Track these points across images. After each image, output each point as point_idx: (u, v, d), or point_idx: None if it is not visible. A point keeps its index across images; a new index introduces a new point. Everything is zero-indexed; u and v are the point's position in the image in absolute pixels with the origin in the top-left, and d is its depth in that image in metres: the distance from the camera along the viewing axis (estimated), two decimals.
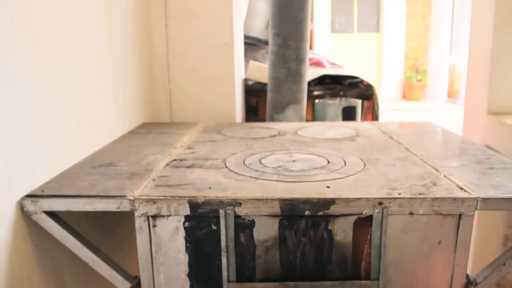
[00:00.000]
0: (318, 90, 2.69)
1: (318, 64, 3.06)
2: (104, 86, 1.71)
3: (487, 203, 1.11)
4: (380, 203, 1.10)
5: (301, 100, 2.32)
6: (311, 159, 1.47)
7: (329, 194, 1.13)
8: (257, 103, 2.79)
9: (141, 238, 1.15)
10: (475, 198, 1.11)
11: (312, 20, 9.70)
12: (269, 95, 2.37)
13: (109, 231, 1.66)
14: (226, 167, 1.38)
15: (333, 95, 2.67)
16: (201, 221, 1.13)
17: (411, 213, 1.11)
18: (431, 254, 1.15)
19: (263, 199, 1.11)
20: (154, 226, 1.14)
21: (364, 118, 2.75)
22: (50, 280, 1.26)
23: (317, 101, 2.55)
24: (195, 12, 2.25)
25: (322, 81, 2.74)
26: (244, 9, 3.29)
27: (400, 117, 8.49)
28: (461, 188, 1.16)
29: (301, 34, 2.22)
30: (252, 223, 1.13)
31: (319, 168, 1.36)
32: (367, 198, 1.10)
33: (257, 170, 1.33)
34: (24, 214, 1.15)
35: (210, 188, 1.18)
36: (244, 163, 1.43)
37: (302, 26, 2.21)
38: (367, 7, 10.97)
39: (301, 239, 1.14)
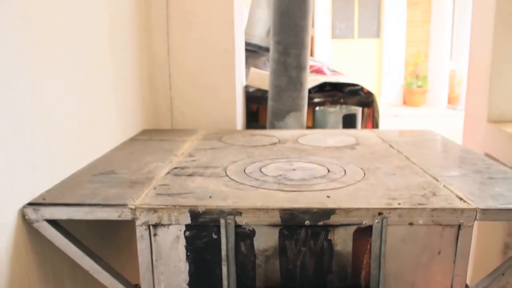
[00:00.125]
0: (318, 97, 2.71)
1: (318, 71, 3.08)
2: (105, 93, 1.72)
3: (486, 213, 1.11)
4: (380, 213, 1.11)
5: (301, 107, 2.33)
6: (311, 168, 1.47)
7: (329, 204, 1.13)
8: (257, 110, 2.80)
9: (142, 246, 1.16)
10: (474, 208, 1.11)
11: (313, 26, 9.73)
12: (269, 102, 2.38)
13: (109, 238, 1.67)
14: (227, 175, 1.39)
15: (334, 103, 2.68)
16: (202, 230, 1.14)
17: (410, 224, 1.12)
18: (430, 264, 1.15)
19: (263, 209, 1.11)
20: (155, 235, 1.15)
21: (364, 125, 2.76)
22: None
23: (317, 108, 2.56)
24: (196, 20, 2.26)
25: (322, 88, 2.75)
26: (245, 16, 3.31)
27: (400, 123, 8.51)
28: (461, 199, 1.17)
29: (302, 42, 2.23)
30: (252, 233, 1.13)
31: (319, 177, 1.37)
32: (367, 208, 1.11)
33: (257, 179, 1.34)
34: (25, 222, 1.15)
35: (210, 197, 1.19)
36: (244, 171, 1.43)
37: (303, 34, 2.22)
38: (368, 13, 11.00)
39: (301, 248, 1.14)
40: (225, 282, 1.15)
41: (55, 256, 1.26)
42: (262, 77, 2.70)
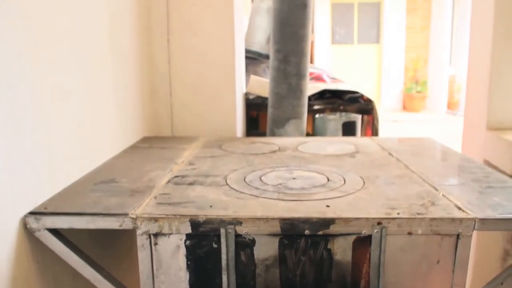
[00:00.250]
0: (318, 105, 2.72)
1: (318, 78, 3.09)
2: (105, 101, 1.73)
3: (485, 223, 1.12)
4: (379, 223, 1.11)
5: (301, 115, 2.34)
6: (311, 177, 1.48)
7: (329, 214, 1.14)
8: (257, 116, 2.81)
9: (142, 256, 1.16)
10: (473, 218, 1.12)
11: (312, 31, 9.77)
12: (269, 110, 2.39)
13: (110, 247, 1.67)
14: (227, 184, 1.40)
15: (333, 110, 2.69)
16: (202, 239, 1.15)
17: (409, 233, 1.13)
18: (429, 273, 1.16)
19: (263, 218, 1.12)
20: (156, 244, 1.16)
21: (364, 132, 2.77)
22: None
23: (317, 116, 2.57)
24: (196, 28, 2.28)
25: (322, 95, 2.77)
26: (245, 23, 3.33)
27: (400, 128, 8.53)
28: (459, 208, 1.18)
29: (302, 50, 2.24)
30: (252, 242, 1.14)
31: (319, 186, 1.37)
32: (366, 218, 1.12)
33: (257, 188, 1.35)
34: (27, 230, 1.16)
35: (211, 206, 1.20)
36: (244, 180, 1.44)
37: (303, 42, 2.24)
38: (367, 19, 11.05)
39: (301, 258, 1.15)
40: None
41: (56, 265, 1.27)
42: (262, 85, 2.71)
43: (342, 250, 1.15)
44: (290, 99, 2.30)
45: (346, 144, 2.03)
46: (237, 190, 1.33)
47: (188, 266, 1.17)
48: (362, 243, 1.14)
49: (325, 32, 10.85)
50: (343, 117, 2.51)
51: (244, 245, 1.14)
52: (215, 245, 1.15)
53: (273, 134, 2.39)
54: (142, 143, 2.03)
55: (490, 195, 1.29)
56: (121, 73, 1.89)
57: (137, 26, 2.10)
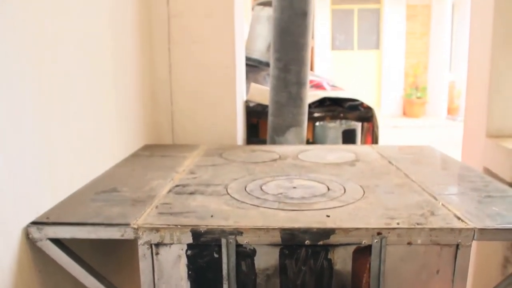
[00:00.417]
0: (318, 112, 2.73)
1: (318, 86, 3.11)
2: (107, 110, 1.74)
3: (484, 233, 1.13)
4: (379, 233, 1.12)
5: (301, 123, 2.35)
6: (311, 186, 1.49)
7: (329, 224, 1.15)
8: (257, 123, 2.82)
9: (144, 265, 1.17)
10: (472, 228, 1.13)
11: (312, 37, 9.80)
12: (270, 118, 2.40)
13: (111, 255, 1.68)
14: (228, 193, 1.41)
15: (334, 117, 2.70)
16: (203, 249, 1.15)
17: (409, 243, 1.13)
18: (429, 283, 1.17)
19: (264, 229, 1.13)
20: (157, 254, 1.16)
21: (364, 140, 2.78)
22: None
23: (317, 123, 2.58)
24: (197, 37, 2.29)
25: (322, 103, 2.78)
26: (246, 31, 3.35)
27: (400, 134, 8.54)
28: (459, 218, 1.19)
29: (302, 59, 2.26)
30: (253, 252, 1.15)
31: (319, 195, 1.38)
32: (366, 228, 1.13)
33: (258, 198, 1.36)
34: (29, 240, 1.17)
35: (212, 216, 1.20)
36: (245, 189, 1.45)
37: (303, 51, 2.25)
38: (367, 25, 11.09)
39: (301, 268, 1.16)
40: None
41: (58, 274, 1.27)
42: (262, 92, 2.73)
43: (342, 260, 1.15)
44: (290, 107, 2.31)
45: (346, 152, 2.04)
46: (238, 200, 1.34)
47: (189, 276, 1.17)
48: (362, 253, 1.14)
49: (325, 38, 10.89)
50: (343, 124, 2.52)
51: (245, 255, 1.15)
52: (216, 255, 1.15)
53: (273, 142, 2.40)
54: (143, 151, 2.04)
55: (489, 205, 1.30)
56: (122, 82, 1.90)
57: (138, 35, 2.11)
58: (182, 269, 1.17)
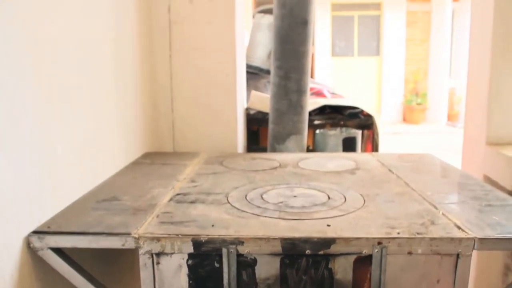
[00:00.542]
0: (319, 120, 2.74)
1: (318, 93, 3.12)
2: (108, 118, 1.75)
3: (484, 243, 1.13)
4: (379, 243, 1.13)
5: (302, 131, 2.36)
6: (312, 195, 1.49)
7: (330, 233, 1.15)
8: (258, 130, 2.83)
9: (145, 275, 1.17)
10: (473, 238, 1.13)
11: (313, 44, 9.84)
12: (270, 125, 2.41)
13: (111, 263, 1.68)
14: (229, 202, 1.41)
15: (334, 125, 2.71)
16: (204, 259, 1.16)
17: (409, 253, 1.14)
18: None
19: (265, 238, 1.13)
20: (158, 263, 1.17)
21: (364, 147, 2.79)
22: None
23: (318, 131, 2.59)
24: (198, 45, 2.30)
25: (322, 110, 2.79)
26: (246, 39, 3.36)
27: (400, 140, 8.54)
28: (459, 228, 1.19)
29: (302, 67, 2.27)
30: (254, 262, 1.15)
31: (319, 204, 1.39)
32: (367, 238, 1.13)
33: (259, 207, 1.36)
34: (30, 249, 1.17)
35: (213, 225, 1.21)
36: (246, 198, 1.45)
37: (304, 59, 2.26)
38: (367, 31, 11.12)
39: (302, 277, 1.16)
40: None
41: (59, 283, 1.27)
42: (263, 100, 2.74)
43: (343, 270, 1.16)
44: (290, 115, 2.32)
45: (346, 160, 2.04)
46: (238, 209, 1.34)
47: (190, 286, 1.17)
48: (363, 262, 1.15)
49: (325, 44, 10.92)
50: (344, 132, 2.52)
51: (245, 264, 1.15)
52: (217, 265, 1.15)
53: (274, 150, 2.41)
54: (144, 159, 2.05)
55: (490, 214, 1.31)
56: (123, 89, 1.91)
57: (139, 42, 2.13)
58: (183, 279, 1.17)
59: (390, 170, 1.84)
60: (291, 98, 2.30)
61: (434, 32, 10.91)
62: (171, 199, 1.45)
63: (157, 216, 1.28)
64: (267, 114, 2.53)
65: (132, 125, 2.02)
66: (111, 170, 1.76)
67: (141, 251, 1.15)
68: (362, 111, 2.78)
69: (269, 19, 3.29)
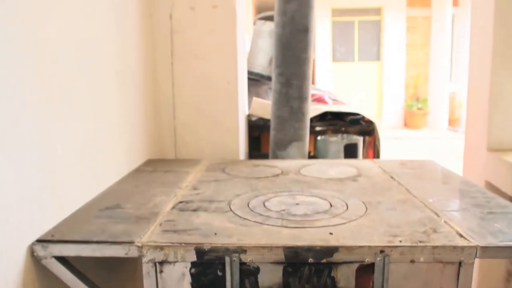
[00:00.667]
0: (320, 126, 2.75)
1: (320, 100, 3.13)
2: (111, 125, 1.76)
3: (486, 251, 1.14)
4: (381, 251, 1.13)
5: (303, 137, 2.37)
6: (314, 202, 1.50)
7: (332, 242, 1.16)
8: (259, 136, 2.84)
9: (148, 283, 1.18)
10: (475, 246, 1.13)
11: (313, 49, 9.85)
12: (272, 132, 2.42)
13: (115, 272, 1.68)
14: (231, 210, 1.41)
15: (335, 131, 2.72)
16: (207, 267, 1.16)
17: (412, 261, 1.14)
18: None
19: (267, 247, 1.14)
20: (161, 272, 1.17)
21: (365, 153, 2.79)
22: None
23: (319, 137, 2.60)
24: (199, 53, 2.32)
25: (324, 117, 2.80)
26: (247, 45, 3.38)
27: (401, 145, 8.54)
28: (461, 236, 1.19)
29: (303, 73, 2.28)
30: (257, 270, 1.15)
31: (322, 212, 1.39)
32: (369, 246, 1.13)
33: (261, 215, 1.37)
34: (34, 258, 1.18)
35: (215, 234, 1.21)
36: (248, 206, 1.46)
37: (305, 66, 2.27)
38: (368, 36, 11.15)
39: (304, 285, 1.16)
40: None
41: None
42: (264, 107, 2.75)
43: (345, 278, 1.16)
44: (292, 122, 2.32)
45: (348, 167, 2.05)
46: (241, 217, 1.35)
47: None
48: (365, 270, 1.15)
49: (326, 49, 10.95)
50: (345, 139, 2.53)
51: (248, 273, 1.15)
52: (220, 273, 1.16)
53: (275, 156, 2.41)
54: (146, 166, 2.06)
55: (491, 221, 1.31)
56: (126, 97, 1.92)
57: (142, 51, 2.14)
58: (186, 287, 1.17)
59: (391, 177, 1.84)
60: (292, 105, 2.31)
61: (434, 37, 10.93)
62: (173, 207, 1.45)
63: (160, 225, 1.29)
64: (268, 120, 2.54)
65: (134, 132, 2.03)
66: (113, 178, 1.77)
67: (144, 260, 1.16)
68: (363, 118, 2.79)
69: (270, 26, 3.31)
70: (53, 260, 1.18)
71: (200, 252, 1.14)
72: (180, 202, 1.51)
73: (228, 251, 1.14)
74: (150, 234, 1.21)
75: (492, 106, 2.34)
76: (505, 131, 2.36)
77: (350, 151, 2.44)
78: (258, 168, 2.05)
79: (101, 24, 1.69)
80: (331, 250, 1.13)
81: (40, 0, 1.25)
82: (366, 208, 1.43)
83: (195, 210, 1.42)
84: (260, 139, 2.86)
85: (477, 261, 1.17)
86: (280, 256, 1.13)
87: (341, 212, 1.39)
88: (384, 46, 11.02)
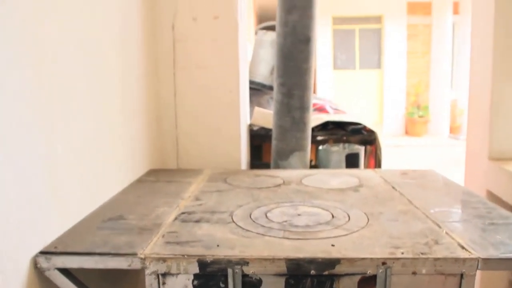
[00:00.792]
0: (321, 135, 2.76)
1: (321, 109, 3.14)
2: (113, 135, 1.77)
3: (488, 263, 1.14)
4: (383, 263, 1.13)
5: (305, 147, 2.37)
6: (315, 213, 1.50)
7: (334, 253, 1.16)
8: (261, 146, 2.85)
9: None
10: (476, 258, 1.14)
11: (315, 58, 9.88)
12: (273, 142, 2.42)
13: (117, 283, 1.69)
14: (233, 221, 1.42)
15: (337, 140, 2.73)
16: (210, 279, 1.16)
17: (414, 273, 1.14)
18: None
19: (270, 259, 1.14)
20: (164, 283, 1.17)
21: (367, 162, 2.80)
22: None
23: (321, 147, 2.61)
24: (202, 63, 2.33)
25: (325, 126, 2.81)
26: (249, 55, 3.39)
27: (402, 153, 8.54)
28: (463, 247, 1.20)
29: (305, 84, 2.29)
30: (259, 282, 1.16)
31: (323, 223, 1.39)
32: (371, 258, 1.14)
33: (263, 226, 1.37)
34: (37, 269, 1.18)
35: (218, 246, 1.22)
36: (250, 217, 1.46)
37: (306, 76, 2.28)
38: (369, 44, 11.19)
39: None
40: None
41: None
42: (266, 116, 2.76)
43: None
44: (293, 131, 2.33)
45: (349, 177, 2.05)
46: (243, 228, 1.35)
47: None
48: (367, 282, 1.15)
49: (327, 57, 10.98)
50: (346, 149, 2.54)
51: (251, 285, 1.16)
52: (222, 285, 1.16)
53: (277, 166, 2.42)
54: (148, 176, 2.06)
55: (493, 233, 1.31)
56: (129, 107, 1.93)
57: (145, 60, 2.15)
58: None
59: (393, 187, 1.85)
60: (294, 115, 2.32)
61: (435, 44, 10.96)
62: (176, 218, 1.46)
63: (163, 236, 1.29)
64: (270, 130, 2.55)
65: (137, 142, 2.04)
66: (116, 188, 1.77)
67: (147, 272, 1.16)
68: (364, 127, 2.80)
69: (271, 36, 3.33)
70: (56, 272, 1.19)
71: (202, 264, 1.15)
72: (183, 213, 1.51)
73: (230, 263, 1.14)
74: (153, 246, 1.22)
75: (493, 115, 2.34)
76: (507, 140, 2.37)
77: (351, 161, 2.45)
78: (260, 178, 2.05)
79: (105, 33, 1.70)
80: (333, 262, 1.13)
81: (40, 0, 1.25)
82: (368, 219, 1.43)
83: (197, 221, 1.43)
84: (261, 148, 2.87)
85: (478, 272, 1.17)
86: (282, 268, 1.14)
87: (343, 223, 1.40)
88: (385, 54, 11.06)
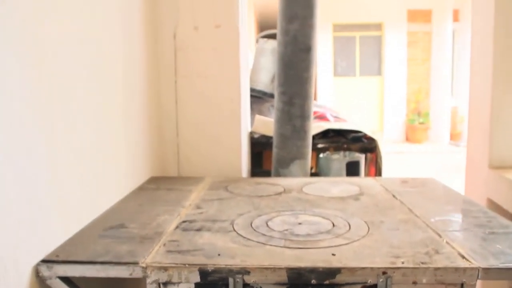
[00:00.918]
0: (322, 143, 2.77)
1: (322, 117, 3.15)
2: (115, 143, 1.77)
3: (488, 273, 1.14)
4: (384, 273, 1.14)
5: (305, 155, 2.38)
6: (316, 222, 1.51)
7: (335, 263, 1.16)
8: (261, 153, 2.86)
9: None
10: (477, 268, 1.14)
11: (315, 67, 9.92)
12: (274, 150, 2.43)
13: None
14: (234, 230, 1.42)
15: (337, 148, 2.74)
16: None
17: (414, 282, 1.15)
18: None
19: (270, 268, 1.14)
20: None
21: (367, 170, 2.80)
22: None
23: (321, 155, 2.61)
24: (203, 71, 2.35)
25: (326, 134, 2.82)
26: (250, 62, 3.41)
27: (403, 160, 8.55)
28: (463, 257, 1.20)
29: (306, 92, 2.30)
30: None
31: (324, 232, 1.40)
32: (372, 268, 1.14)
33: (264, 235, 1.38)
34: (39, 278, 1.19)
35: (219, 255, 1.22)
36: (251, 225, 1.47)
37: (307, 85, 2.30)
38: (369, 51, 11.23)
39: None
40: None
41: None
42: (266, 124, 2.77)
43: None
44: (294, 140, 2.34)
45: (350, 185, 2.06)
46: (244, 237, 1.36)
47: None
48: None
49: (327, 64, 11.02)
50: (347, 156, 2.54)
51: None
52: None
53: (278, 174, 2.43)
54: (149, 184, 2.07)
55: (493, 242, 1.32)
56: (131, 115, 1.94)
57: (146, 69, 2.17)
58: None
59: (394, 196, 1.86)
60: (295, 123, 2.33)
61: (435, 51, 11.01)
62: (177, 227, 1.46)
63: (164, 245, 1.30)
64: (271, 138, 2.56)
65: (139, 150, 2.05)
66: (117, 196, 1.78)
67: (148, 281, 1.17)
68: (365, 135, 2.81)
69: (272, 44, 3.35)
70: (58, 280, 1.19)
71: (203, 273, 1.15)
72: (184, 221, 1.52)
73: (231, 272, 1.15)
74: (154, 255, 1.22)
75: (493, 123, 2.35)
76: (507, 148, 2.37)
77: (352, 169, 2.45)
78: (261, 186, 2.06)
79: (105, 33, 1.71)
80: (333, 272, 1.14)
81: (40, 0, 1.26)
82: (369, 228, 1.44)
83: (198, 229, 1.43)
84: (262, 156, 2.88)
85: (479, 281, 1.17)
86: (283, 277, 1.14)
87: (343, 232, 1.40)
88: (385, 61, 11.10)
